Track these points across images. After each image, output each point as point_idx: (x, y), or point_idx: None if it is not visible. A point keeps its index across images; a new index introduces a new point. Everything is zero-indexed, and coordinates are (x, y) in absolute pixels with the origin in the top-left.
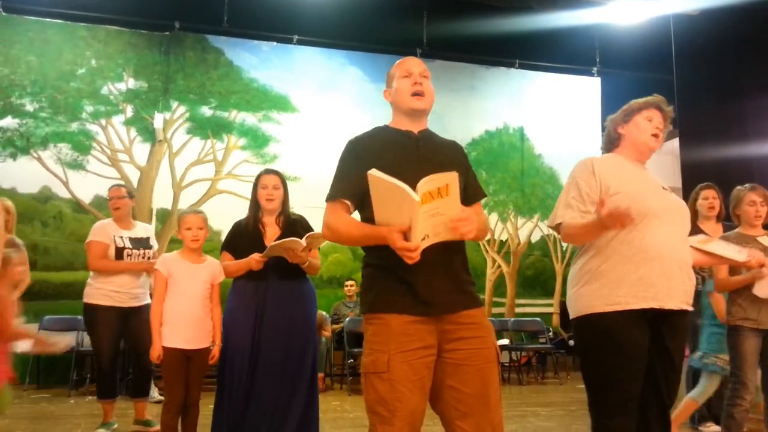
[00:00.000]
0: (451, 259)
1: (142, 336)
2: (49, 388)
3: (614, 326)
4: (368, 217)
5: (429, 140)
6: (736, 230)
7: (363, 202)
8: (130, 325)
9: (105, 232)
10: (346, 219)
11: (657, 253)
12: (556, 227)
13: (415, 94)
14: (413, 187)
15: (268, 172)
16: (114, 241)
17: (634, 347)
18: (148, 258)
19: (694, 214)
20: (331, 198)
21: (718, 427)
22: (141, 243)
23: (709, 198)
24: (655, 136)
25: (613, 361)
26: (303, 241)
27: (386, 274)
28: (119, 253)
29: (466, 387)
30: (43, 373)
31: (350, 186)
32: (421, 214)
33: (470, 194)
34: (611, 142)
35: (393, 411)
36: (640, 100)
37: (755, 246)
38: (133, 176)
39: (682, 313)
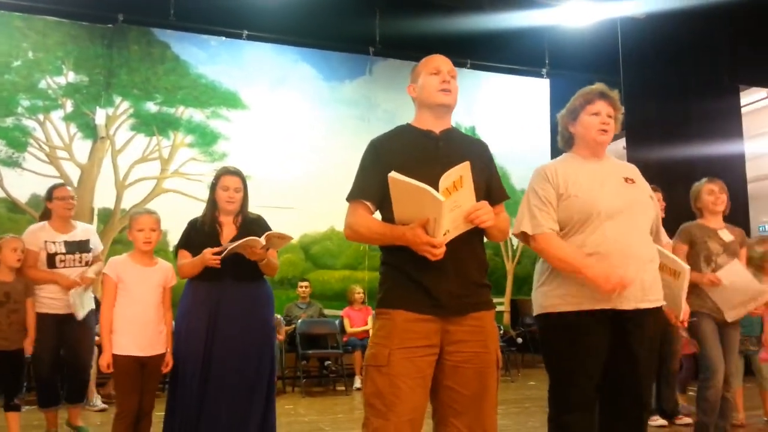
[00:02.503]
0: (463, 260)
1: (79, 343)
2: None
3: (572, 325)
4: (388, 217)
5: (450, 140)
6: (697, 222)
7: (383, 203)
8: (67, 331)
9: (35, 238)
10: (366, 219)
11: (610, 254)
12: (521, 235)
13: (443, 90)
14: (433, 187)
15: (229, 172)
16: (45, 247)
17: (591, 346)
18: (86, 262)
19: None
20: (351, 198)
21: (663, 421)
22: (78, 246)
23: (657, 200)
24: (604, 131)
25: (571, 359)
26: (262, 240)
27: (399, 273)
28: (51, 259)
29: (464, 388)
30: None
31: (370, 187)
32: (445, 211)
33: (493, 196)
34: (566, 142)
35: (389, 405)
36: (583, 93)
37: (715, 240)
38: (73, 174)
39: (647, 310)
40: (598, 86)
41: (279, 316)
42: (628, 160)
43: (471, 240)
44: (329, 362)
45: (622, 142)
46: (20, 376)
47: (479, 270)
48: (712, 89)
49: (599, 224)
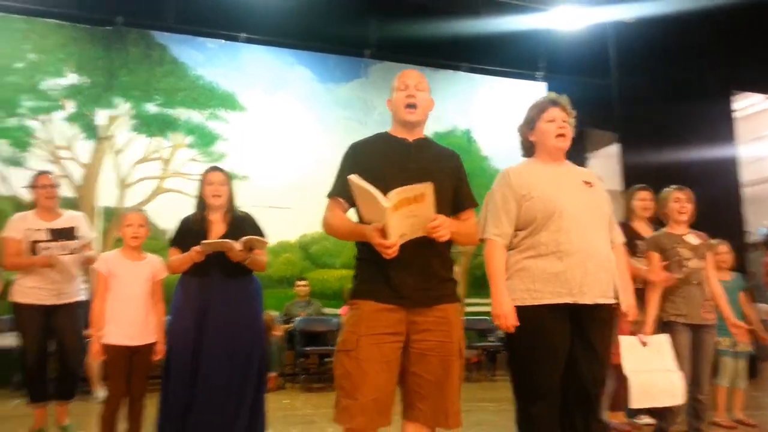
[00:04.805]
0: (427, 258)
1: (65, 334)
2: None
3: (533, 318)
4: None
5: (422, 148)
6: (663, 230)
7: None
8: (54, 323)
9: (17, 226)
10: (338, 216)
11: (570, 251)
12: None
13: (408, 106)
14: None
15: (213, 169)
16: (27, 236)
17: (551, 338)
18: (72, 250)
19: (630, 214)
20: (329, 196)
21: (651, 420)
22: (62, 234)
23: (645, 199)
24: (561, 135)
25: (533, 351)
26: (237, 244)
27: (369, 267)
28: (33, 247)
29: (428, 374)
30: None
31: (346, 186)
32: (395, 216)
33: (460, 201)
34: (527, 150)
35: (356, 386)
36: (536, 104)
37: (683, 245)
38: (76, 173)
39: (604, 306)
40: (550, 95)
41: (274, 314)
42: (623, 164)
43: (435, 240)
44: (328, 359)
45: (615, 147)
46: None
47: (443, 266)
48: (704, 93)
49: (561, 223)
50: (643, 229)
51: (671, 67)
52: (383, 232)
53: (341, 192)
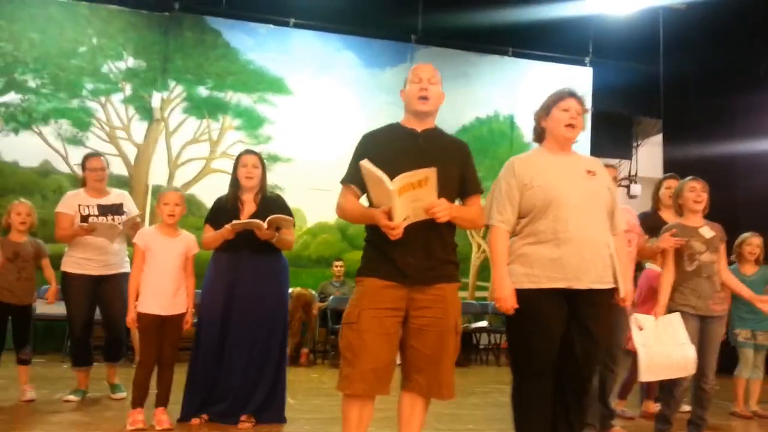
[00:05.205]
0: (429, 240)
1: (113, 303)
2: (45, 354)
3: (529, 300)
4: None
5: (431, 138)
6: (678, 222)
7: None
8: (101, 292)
9: (70, 202)
10: (350, 201)
11: (567, 238)
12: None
13: (420, 98)
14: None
15: (247, 152)
16: (79, 210)
17: (547, 320)
18: (119, 223)
19: (657, 202)
20: (342, 182)
21: (687, 407)
22: (110, 209)
23: (672, 188)
24: (571, 126)
25: (529, 331)
26: (264, 224)
27: (374, 248)
28: (84, 221)
29: (424, 348)
30: (40, 341)
31: (358, 174)
32: (400, 199)
33: (467, 188)
34: (538, 136)
35: (357, 355)
36: (555, 92)
37: (697, 238)
38: (131, 153)
39: (601, 291)
40: (568, 87)
41: (313, 292)
42: (665, 154)
43: (438, 225)
44: None
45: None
46: (27, 331)
47: (444, 249)
48: (755, 83)
49: (559, 212)
50: (670, 217)
51: (723, 53)
52: (389, 215)
53: (353, 179)
